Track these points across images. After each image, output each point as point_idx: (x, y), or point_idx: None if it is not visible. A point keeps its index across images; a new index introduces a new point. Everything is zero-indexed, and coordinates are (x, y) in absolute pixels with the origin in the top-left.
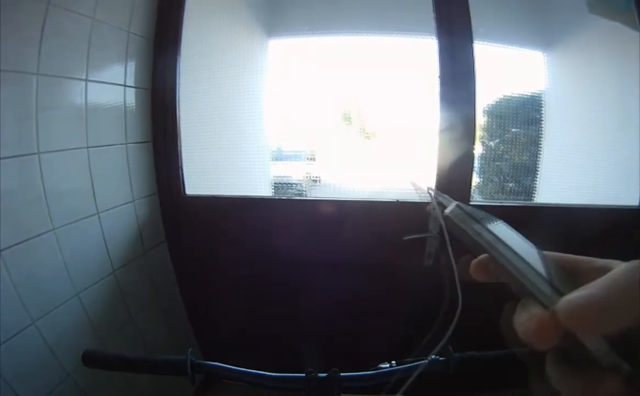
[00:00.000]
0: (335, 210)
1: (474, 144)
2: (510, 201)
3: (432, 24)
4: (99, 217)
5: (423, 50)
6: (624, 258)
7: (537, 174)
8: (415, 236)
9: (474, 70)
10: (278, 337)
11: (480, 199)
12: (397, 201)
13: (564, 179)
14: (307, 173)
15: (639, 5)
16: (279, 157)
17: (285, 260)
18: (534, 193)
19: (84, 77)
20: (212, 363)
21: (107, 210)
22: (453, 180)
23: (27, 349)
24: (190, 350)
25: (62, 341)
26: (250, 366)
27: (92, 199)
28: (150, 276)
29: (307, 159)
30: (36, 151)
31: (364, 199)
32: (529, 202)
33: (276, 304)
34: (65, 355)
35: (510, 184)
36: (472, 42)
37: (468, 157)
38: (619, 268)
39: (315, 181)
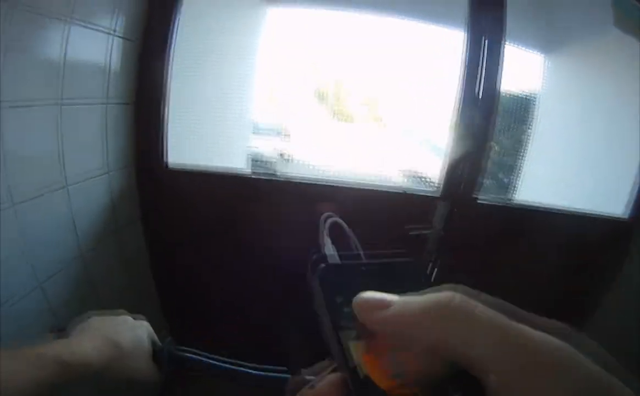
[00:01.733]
0: (329, 195)
1: (489, 140)
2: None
3: (464, 11)
4: (68, 190)
5: (437, 39)
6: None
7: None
8: (419, 230)
9: (502, 64)
10: (260, 327)
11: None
12: (404, 191)
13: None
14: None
15: None
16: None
17: (274, 246)
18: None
19: (67, 18)
20: (189, 355)
21: (77, 183)
22: (463, 173)
23: None
24: (169, 338)
25: (22, 338)
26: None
27: (61, 168)
28: (122, 260)
29: (282, 135)
30: None
31: (363, 186)
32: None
33: (261, 293)
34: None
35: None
36: (504, 35)
37: (483, 151)
38: (433, 294)
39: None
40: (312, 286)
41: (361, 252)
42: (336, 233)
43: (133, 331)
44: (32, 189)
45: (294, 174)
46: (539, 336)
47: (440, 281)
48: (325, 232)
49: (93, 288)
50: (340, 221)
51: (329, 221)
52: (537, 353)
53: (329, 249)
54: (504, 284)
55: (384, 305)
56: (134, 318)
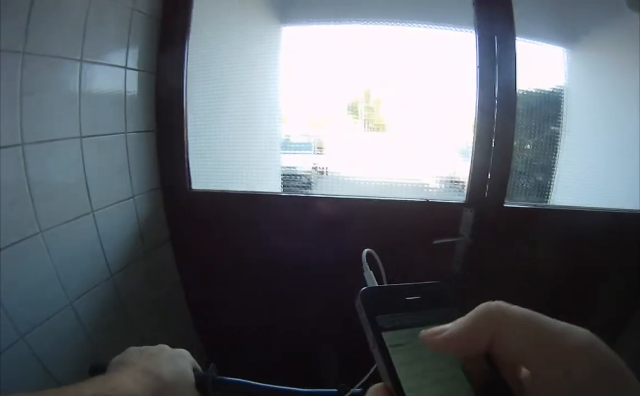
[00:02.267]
0: (353, 209)
1: (512, 141)
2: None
3: (471, 12)
4: (94, 216)
5: (451, 42)
6: None
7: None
8: (446, 239)
9: (516, 61)
10: (290, 343)
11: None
12: (427, 200)
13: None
14: (319, 166)
15: None
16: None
17: (297, 261)
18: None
19: (78, 58)
20: (234, 379)
21: (102, 208)
22: (490, 177)
23: (16, 366)
24: (211, 365)
25: (55, 355)
26: (263, 375)
27: (86, 196)
28: (152, 280)
29: (317, 149)
30: (20, 142)
31: (387, 198)
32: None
33: (288, 309)
34: (59, 370)
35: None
36: (514, 32)
37: (507, 153)
38: (474, 310)
39: (326, 174)
40: (357, 309)
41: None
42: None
43: (173, 361)
44: (58, 217)
45: (323, 192)
46: (564, 324)
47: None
48: (365, 266)
49: (123, 306)
50: (372, 252)
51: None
52: (565, 337)
53: (373, 281)
54: (539, 289)
55: (441, 331)
56: (173, 349)
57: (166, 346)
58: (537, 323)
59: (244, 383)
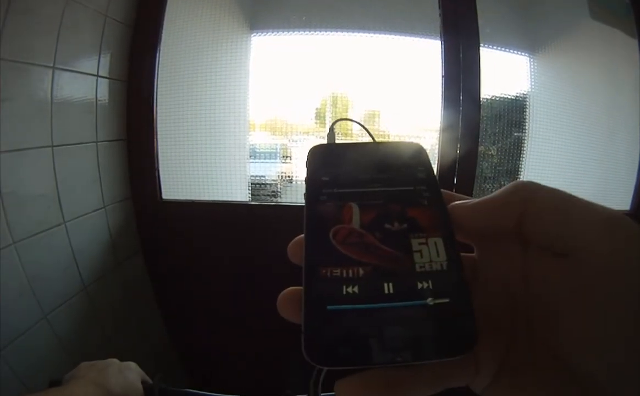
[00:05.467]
0: None
1: (477, 145)
2: None
3: (437, 22)
4: (66, 226)
5: (419, 50)
6: None
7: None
8: None
9: (479, 69)
10: (264, 351)
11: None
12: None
13: (549, 183)
14: (286, 174)
15: (637, 13)
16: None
17: (268, 269)
18: None
19: (51, 65)
20: (180, 390)
21: (75, 218)
22: (456, 183)
23: None
24: (158, 375)
25: (32, 370)
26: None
27: (58, 206)
28: (126, 290)
29: (283, 158)
30: None
31: None
32: None
33: (262, 316)
34: (37, 385)
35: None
36: (478, 41)
37: (472, 158)
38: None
39: (294, 182)
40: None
41: None
42: None
43: (121, 373)
44: (31, 228)
45: (291, 200)
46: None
47: None
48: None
49: (98, 320)
50: None
51: None
52: (607, 216)
53: None
54: None
55: (467, 201)
56: (121, 362)
57: (115, 360)
58: (568, 194)
59: (189, 392)
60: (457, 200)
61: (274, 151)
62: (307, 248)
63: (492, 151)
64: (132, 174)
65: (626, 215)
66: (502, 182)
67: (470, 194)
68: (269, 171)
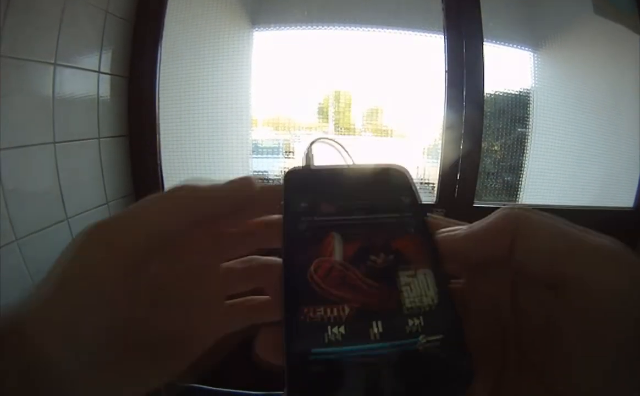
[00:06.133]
0: None
1: (480, 141)
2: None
3: (440, 17)
4: (69, 223)
5: (422, 45)
6: None
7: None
8: None
9: (483, 65)
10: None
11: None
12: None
13: (552, 179)
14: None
15: None
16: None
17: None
18: (518, 194)
19: (52, 61)
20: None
21: (77, 214)
22: (459, 178)
23: None
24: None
25: None
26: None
27: (61, 203)
28: None
29: (285, 153)
30: None
31: None
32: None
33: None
34: None
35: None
36: (482, 36)
37: (475, 154)
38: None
39: None
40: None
41: None
42: None
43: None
44: (34, 224)
45: None
46: (592, 233)
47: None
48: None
49: None
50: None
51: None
52: (598, 246)
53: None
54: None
55: (457, 228)
56: None
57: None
58: (560, 223)
59: (209, 390)
60: (444, 227)
61: (277, 146)
62: (285, 285)
63: (496, 147)
64: (134, 170)
65: (619, 241)
66: (505, 179)
67: (473, 190)
68: (272, 167)
